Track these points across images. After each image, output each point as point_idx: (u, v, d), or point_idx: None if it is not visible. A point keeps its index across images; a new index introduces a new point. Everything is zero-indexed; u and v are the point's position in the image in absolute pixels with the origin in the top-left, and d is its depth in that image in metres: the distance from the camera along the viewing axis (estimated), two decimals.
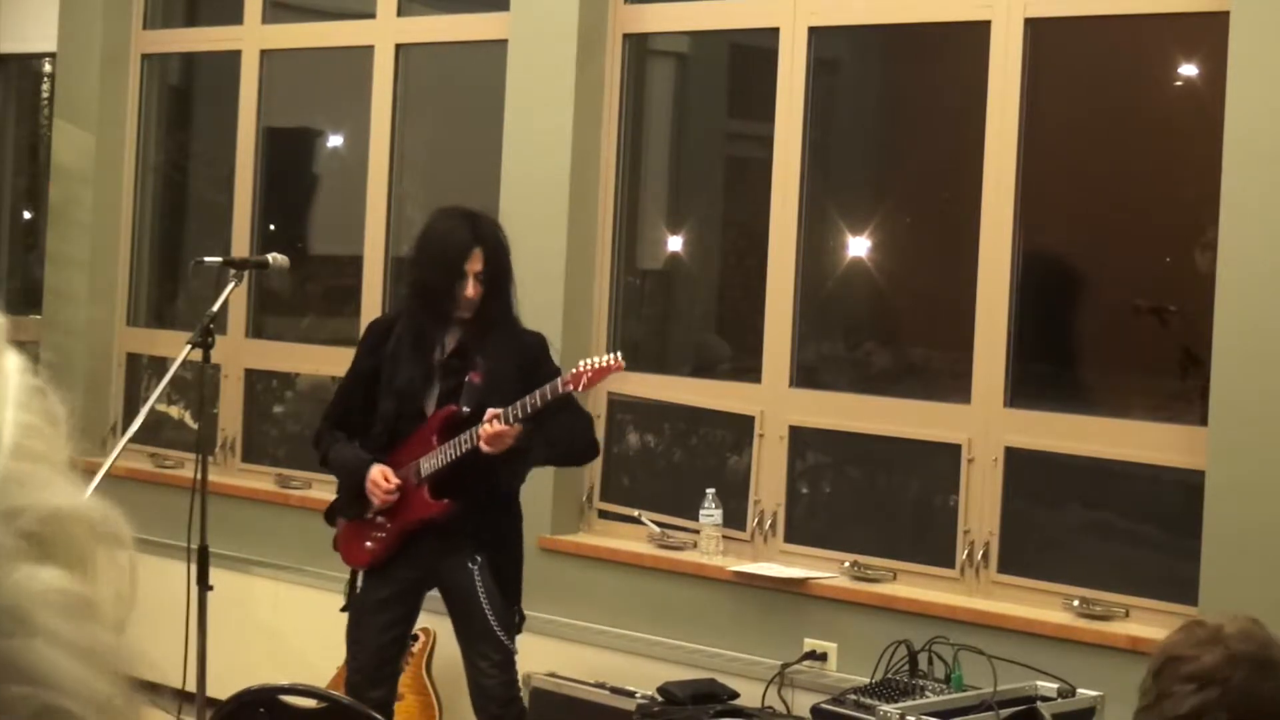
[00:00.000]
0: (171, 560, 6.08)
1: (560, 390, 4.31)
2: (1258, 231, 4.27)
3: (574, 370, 4.34)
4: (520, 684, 4.71)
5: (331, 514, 4.81)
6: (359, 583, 4.67)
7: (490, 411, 4.38)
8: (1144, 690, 2.26)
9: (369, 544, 4.62)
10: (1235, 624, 2.25)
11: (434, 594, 4.70)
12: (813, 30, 5.28)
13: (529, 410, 4.34)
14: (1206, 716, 2.17)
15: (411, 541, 4.57)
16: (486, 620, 4.51)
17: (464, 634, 4.60)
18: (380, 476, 4.54)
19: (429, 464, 4.52)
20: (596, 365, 4.32)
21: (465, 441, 4.43)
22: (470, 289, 4.47)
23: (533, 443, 4.45)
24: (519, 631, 4.63)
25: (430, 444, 4.52)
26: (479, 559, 4.52)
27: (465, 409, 4.48)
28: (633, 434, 5.82)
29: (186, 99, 7.45)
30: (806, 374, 5.32)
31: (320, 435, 4.76)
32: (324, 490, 6.38)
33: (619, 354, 4.36)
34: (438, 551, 4.55)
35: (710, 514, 5.29)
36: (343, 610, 4.73)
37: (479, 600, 4.50)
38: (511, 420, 4.35)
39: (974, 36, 4.90)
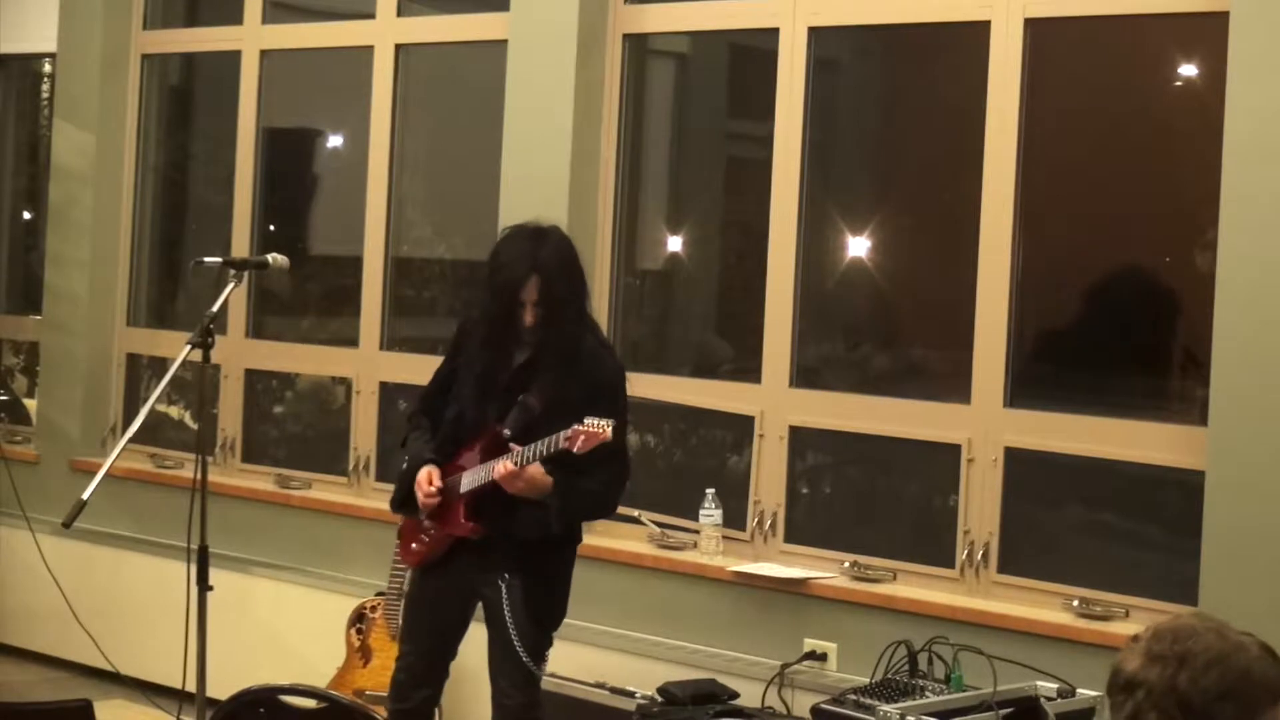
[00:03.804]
0: (171, 560, 6.10)
1: (560, 445, 4.21)
2: (1258, 231, 4.27)
3: (575, 427, 4.19)
4: (542, 706, 4.59)
5: (395, 503, 4.76)
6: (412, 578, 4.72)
7: (514, 447, 4.33)
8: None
9: (415, 545, 4.63)
10: (1159, 625, 2.29)
11: None
12: (813, 30, 5.28)
13: (530, 459, 4.28)
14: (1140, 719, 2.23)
15: (454, 552, 4.54)
16: (510, 640, 4.45)
17: (491, 651, 4.56)
18: (425, 479, 4.51)
19: (469, 480, 4.47)
20: (591, 429, 4.17)
21: (492, 469, 4.37)
22: (528, 318, 4.37)
23: (552, 498, 4.36)
24: (545, 660, 4.55)
25: (475, 459, 4.48)
26: (508, 578, 4.45)
27: (507, 432, 4.39)
28: (632, 434, 5.81)
29: (186, 99, 7.45)
30: (806, 374, 5.32)
31: (411, 416, 4.75)
32: (324, 491, 6.40)
33: (611, 423, 4.17)
34: (474, 567, 4.51)
35: (710, 514, 5.30)
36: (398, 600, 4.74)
37: (504, 619, 4.45)
38: (520, 463, 4.30)
39: (974, 36, 4.90)
